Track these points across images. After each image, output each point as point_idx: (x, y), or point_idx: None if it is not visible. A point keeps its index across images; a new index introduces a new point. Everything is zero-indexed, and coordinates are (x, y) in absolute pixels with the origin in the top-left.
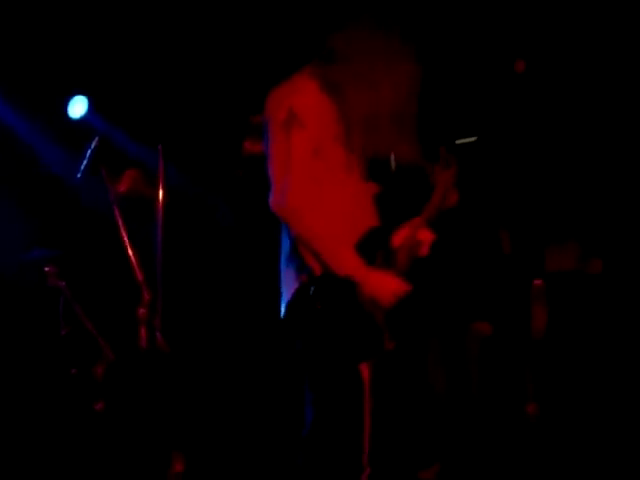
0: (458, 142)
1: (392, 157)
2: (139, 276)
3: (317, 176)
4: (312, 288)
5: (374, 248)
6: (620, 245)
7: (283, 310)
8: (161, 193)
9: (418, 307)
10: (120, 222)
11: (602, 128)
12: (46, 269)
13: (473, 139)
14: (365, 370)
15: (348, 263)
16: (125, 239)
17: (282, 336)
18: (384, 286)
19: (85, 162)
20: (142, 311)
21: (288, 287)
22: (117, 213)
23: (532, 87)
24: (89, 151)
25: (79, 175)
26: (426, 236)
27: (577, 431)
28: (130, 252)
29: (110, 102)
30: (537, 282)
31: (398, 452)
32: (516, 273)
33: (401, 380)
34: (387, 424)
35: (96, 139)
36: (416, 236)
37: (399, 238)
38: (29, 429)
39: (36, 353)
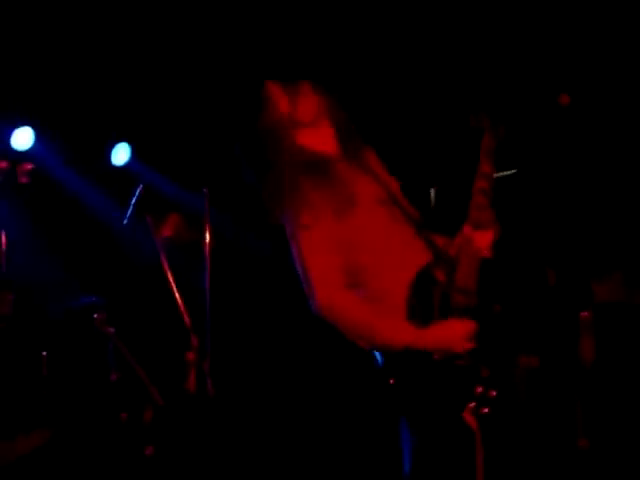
0: (497, 175)
1: (432, 192)
2: (187, 321)
3: (340, 261)
4: (381, 360)
5: (428, 288)
6: None
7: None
8: (208, 237)
9: (497, 325)
10: (167, 267)
11: None
12: (95, 316)
13: (512, 172)
14: (469, 416)
15: (399, 337)
16: (172, 284)
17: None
18: (448, 338)
19: (130, 209)
20: (191, 355)
21: None
22: (163, 258)
23: (576, 120)
24: (134, 198)
25: (125, 222)
26: (483, 238)
27: (628, 464)
28: (178, 297)
29: (152, 148)
30: (584, 314)
31: None
32: (563, 305)
33: (506, 413)
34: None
35: (140, 186)
36: (472, 242)
37: (454, 247)
38: (80, 474)
39: (86, 399)
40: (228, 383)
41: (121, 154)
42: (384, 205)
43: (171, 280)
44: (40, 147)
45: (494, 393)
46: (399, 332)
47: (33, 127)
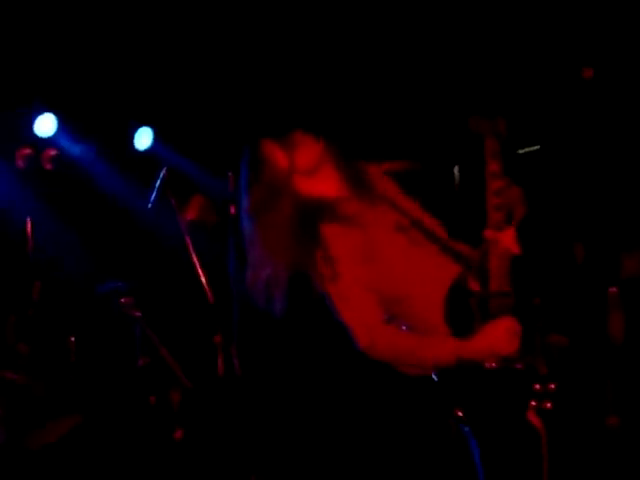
0: (521, 151)
1: (456, 169)
2: (213, 303)
3: (373, 298)
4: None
5: (463, 299)
6: None
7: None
8: (232, 219)
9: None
10: (192, 250)
11: None
12: (122, 300)
13: (536, 148)
14: (533, 416)
15: (447, 355)
16: (197, 267)
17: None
18: (494, 341)
19: (154, 192)
20: (218, 338)
21: None
22: (189, 241)
23: (600, 93)
24: (158, 181)
25: (149, 206)
26: (508, 236)
27: None
28: (203, 280)
29: (175, 132)
30: (612, 290)
31: None
32: (591, 282)
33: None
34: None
35: (164, 169)
36: (498, 243)
37: (481, 254)
38: (110, 459)
39: (114, 383)
40: (256, 365)
41: (144, 138)
42: (402, 232)
43: (196, 263)
44: (63, 133)
45: (553, 386)
46: (446, 350)
47: (56, 114)
